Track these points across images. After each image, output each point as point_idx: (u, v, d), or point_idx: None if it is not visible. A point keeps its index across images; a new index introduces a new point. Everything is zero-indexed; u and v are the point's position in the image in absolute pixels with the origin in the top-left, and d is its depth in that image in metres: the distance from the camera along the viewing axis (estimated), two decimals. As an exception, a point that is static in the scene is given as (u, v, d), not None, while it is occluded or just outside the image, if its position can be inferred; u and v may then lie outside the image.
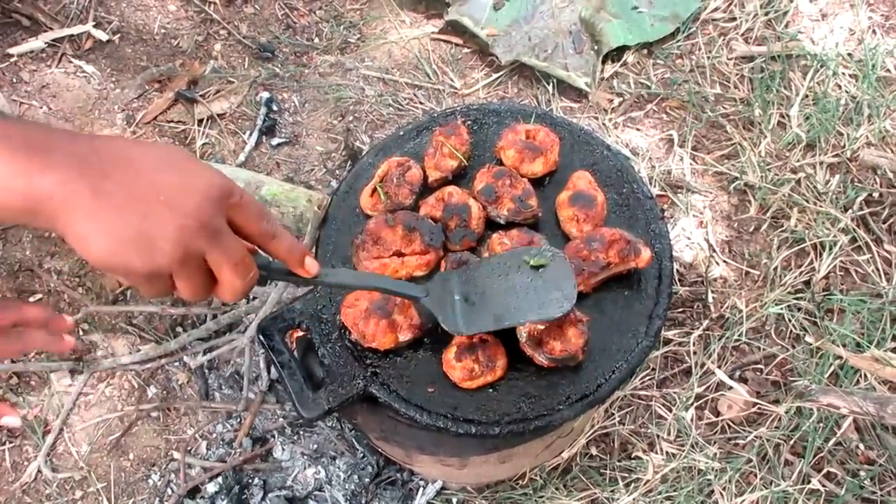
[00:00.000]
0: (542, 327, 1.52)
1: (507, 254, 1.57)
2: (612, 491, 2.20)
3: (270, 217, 1.14)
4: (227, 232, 1.08)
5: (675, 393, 2.32)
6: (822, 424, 2.21)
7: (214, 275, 1.09)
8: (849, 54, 2.89)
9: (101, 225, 0.98)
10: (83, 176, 0.97)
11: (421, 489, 2.24)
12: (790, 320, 2.40)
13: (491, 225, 1.69)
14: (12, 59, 2.98)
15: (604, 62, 2.96)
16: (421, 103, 2.89)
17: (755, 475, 2.19)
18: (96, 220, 0.98)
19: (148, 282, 1.04)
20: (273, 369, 2.41)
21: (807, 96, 2.81)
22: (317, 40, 3.08)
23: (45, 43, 3.01)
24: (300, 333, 1.66)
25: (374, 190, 1.72)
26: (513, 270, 1.52)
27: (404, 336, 1.56)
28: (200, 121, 2.89)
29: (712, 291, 2.47)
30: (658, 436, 2.27)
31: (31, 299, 2.56)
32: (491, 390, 1.55)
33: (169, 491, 2.29)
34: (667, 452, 2.24)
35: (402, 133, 1.88)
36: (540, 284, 1.50)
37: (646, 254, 1.59)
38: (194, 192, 1.03)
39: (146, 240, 1.00)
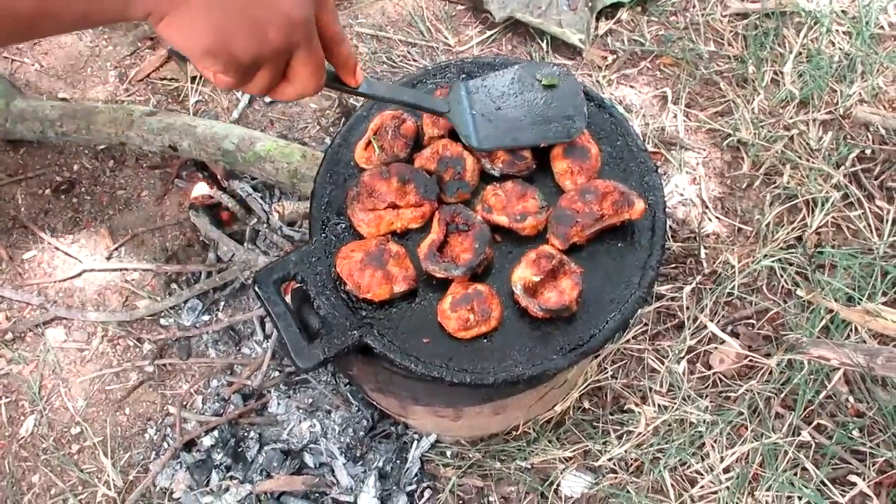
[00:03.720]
0: (536, 279, 1.53)
1: (518, 68, 1.67)
2: (604, 443, 2.23)
3: (340, 21, 1.19)
4: (316, 32, 1.12)
5: (667, 346, 2.34)
6: (812, 378, 2.23)
7: (284, 73, 1.14)
8: (843, 11, 2.89)
9: (207, 12, 0.98)
10: None
11: (415, 442, 2.26)
12: (782, 275, 2.42)
13: (485, 177, 1.69)
14: (3, 16, 2.96)
15: (598, 19, 2.95)
16: (415, 60, 2.89)
17: (746, 427, 2.22)
18: (202, 7, 0.98)
19: (241, 71, 1.07)
20: (268, 324, 2.43)
21: (800, 53, 2.81)
22: (310, -3, 3.06)
23: (36, 0, 2.99)
24: (295, 286, 1.66)
25: (369, 143, 1.72)
26: (526, 89, 1.64)
27: (399, 287, 1.56)
28: (193, 78, 2.88)
29: (705, 247, 2.49)
30: (651, 388, 2.29)
31: (26, 256, 2.57)
32: (485, 340, 1.56)
33: (165, 445, 2.31)
34: (659, 405, 2.26)
35: (398, 85, 1.87)
36: (552, 105, 1.63)
37: (639, 205, 1.59)
38: None
39: (255, 27, 1.02)
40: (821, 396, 2.23)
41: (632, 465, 2.22)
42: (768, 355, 2.30)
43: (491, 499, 2.22)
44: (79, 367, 2.43)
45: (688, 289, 2.41)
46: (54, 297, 2.51)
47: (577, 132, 1.63)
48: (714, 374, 2.31)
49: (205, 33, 1.00)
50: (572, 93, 1.66)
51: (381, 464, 2.22)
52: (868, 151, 2.62)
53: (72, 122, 2.54)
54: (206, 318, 2.49)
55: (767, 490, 2.14)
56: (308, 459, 2.23)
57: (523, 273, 1.55)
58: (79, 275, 2.54)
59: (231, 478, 2.22)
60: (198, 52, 1.02)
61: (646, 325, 2.38)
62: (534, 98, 1.65)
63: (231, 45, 1.02)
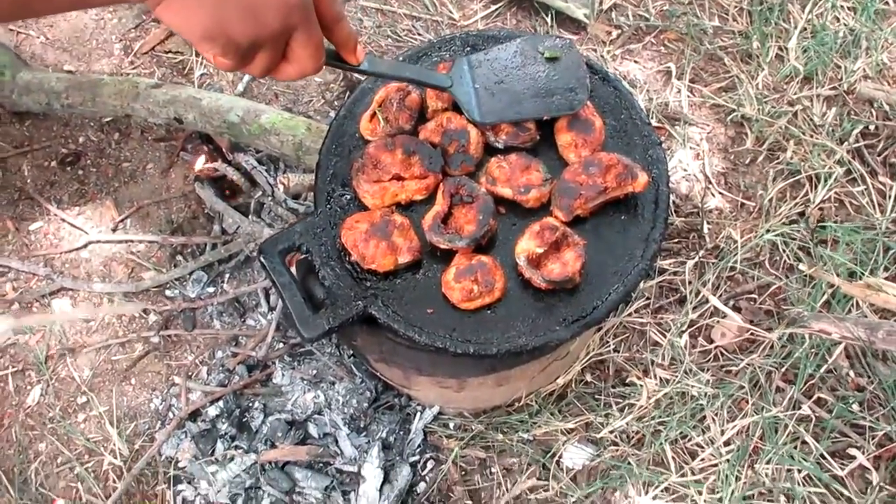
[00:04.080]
0: (540, 250, 1.54)
1: (521, 42, 1.69)
2: (605, 416, 2.25)
3: (340, 0, 1.21)
4: (314, 12, 1.14)
5: (669, 320, 2.35)
6: (813, 352, 2.25)
7: (284, 53, 1.16)
8: (848, -13, 2.89)
9: None
10: None
11: (418, 414, 2.27)
12: (784, 250, 2.43)
13: (489, 150, 1.70)
14: (8, -12, 2.96)
15: (603, -6, 2.95)
16: (419, 34, 2.89)
17: (747, 401, 2.23)
18: None
19: (239, 54, 1.09)
20: (273, 296, 2.44)
21: (805, 29, 2.81)
22: (314, -30, 3.06)
23: (41, -29, 2.99)
24: (300, 257, 1.67)
25: (374, 115, 1.73)
26: (529, 62, 1.66)
27: (404, 258, 1.58)
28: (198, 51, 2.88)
29: (708, 222, 2.50)
30: (652, 361, 2.30)
31: (32, 227, 2.58)
32: (489, 311, 1.57)
33: (170, 414, 2.33)
34: (660, 378, 2.28)
35: (401, 59, 1.88)
36: (555, 78, 1.65)
37: (642, 178, 1.60)
38: None
39: (252, 11, 1.04)
40: (821, 370, 2.25)
41: (633, 437, 2.24)
42: (770, 329, 2.32)
43: (493, 470, 2.24)
44: (85, 337, 2.44)
45: (690, 263, 2.42)
46: (60, 267, 2.53)
47: (579, 104, 1.64)
48: (716, 347, 2.32)
49: (203, 17, 1.02)
50: (575, 65, 1.67)
51: (384, 435, 2.24)
52: (871, 127, 2.62)
53: (77, 94, 2.55)
54: (211, 289, 2.50)
55: (767, 463, 2.15)
56: (312, 430, 2.25)
57: (527, 245, 1.56)
58: (84, 246, 2.55)
59: (236, 447, 2.24)
60: (196, 35, 1.04)
61: (648, 298, 2.39)
62: (536, 71, 1.66)
63: (228, 28, 1.04)
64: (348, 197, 1.68)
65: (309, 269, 1.64)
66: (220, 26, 1.03)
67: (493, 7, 2.94)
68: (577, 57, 1.68)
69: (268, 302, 2.45)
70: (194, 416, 2.31)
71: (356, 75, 2.68)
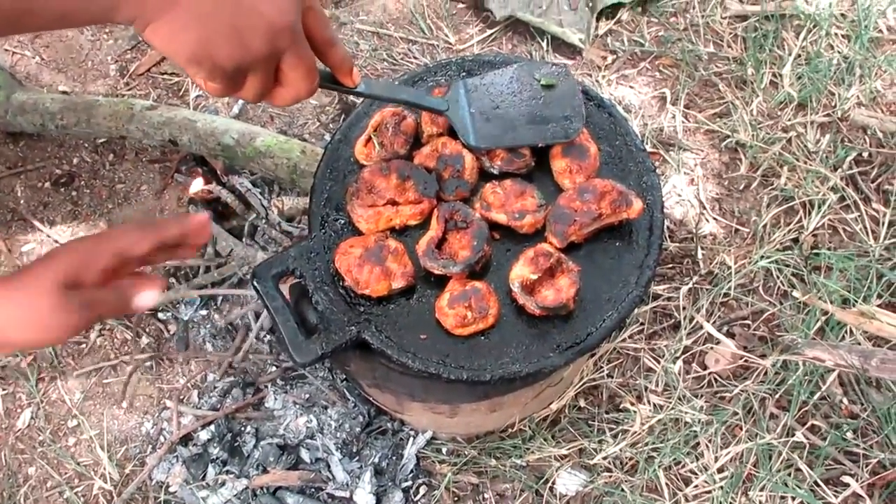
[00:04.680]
0: (534, 277, 1.54)
1: (517, 67, 1.70)
2: (599, 442, 2.24)
3: (331, 25, 1.19)
4: (304, 36, 1.13)
5: (663, 346, 2.35)
6: (807, 379, 2.24)
7: (277, 77, 1.15)
8: (842, 14, 2.89)
9: (191, 20, 0.99)
10: None
11: (411, 439, 2.26)
12: (778, 277, 2.43)
13: (484, 175, 1.70)
14: (4, 9, 2.96)
15: (598, 19, 2.96)
16: (415, 58, 2.89)
17: (740, 428, 2.23)
18: (186, 15, 0.99)
19: (227, 78, 1.08)
20: (264, 319, 2.43)
21: (799, 56, 2.82)
22: (311, -6, 3.06)
23: (38, -8, 2.99)
24: (294, 281, 1.67)
25: (369, 139, 1.73)
26: (525, 88, 1.67)
27: (398, 283, 1.57)
28: (194, 73, 2.88)
29: (702, 248, 2.50)
30: (646, 387, 2.30)
31: (24, 248, 2.57)
32: (483, 338, 1.57)
33: (161, 438, 2.32)
34: (654, 404, 2.27)
35: (396, 83, 1.88)
36: (550, 105, 1.65)
37: (637, 205, 1.60)
38: None
39: (237, 35, 1.03)
40: (815, 397, 2.24)
41: (626, 463, 2.23)
42: (763, 356, 2.31)
43: (486, 496, 2.23)
44: (76, 360, 2.43)
45: (684, 289, 2.42)
46: (52, 289, 2.51)
47: (574, 133, 1.64)
48: (709, 374, 2.32)
49: (188, 40, 1.01)
50: (571, 93, 1.67)
51: (376, 460, 2.23)
52: (865, 154, 2.63)
53: (72, 115, 2.54)
54: (203, 312, 2.49)
55: (761, 490, 2.15)
56: (304, 455, 2.24)
57: (521, 271, 1.56)
58: (77, 268, 2.54)
59: (227, 472, 2.22)
60: (182, 59, 1.03)
61: (642, 324, 2.39)
62: (532, 97, 1.66)
63: (214, 52, 1.03)
64: (342, 221, 1.68)
65: (302, 293, 1.63)
66: (206, 50, 1.02)
67: (489, 32, 2.95)
68: (573, 85, 1.68)
69: (259, 324, 2.44)
70: (186, 440, 2.29)
71: (351, 98, 2.70)
